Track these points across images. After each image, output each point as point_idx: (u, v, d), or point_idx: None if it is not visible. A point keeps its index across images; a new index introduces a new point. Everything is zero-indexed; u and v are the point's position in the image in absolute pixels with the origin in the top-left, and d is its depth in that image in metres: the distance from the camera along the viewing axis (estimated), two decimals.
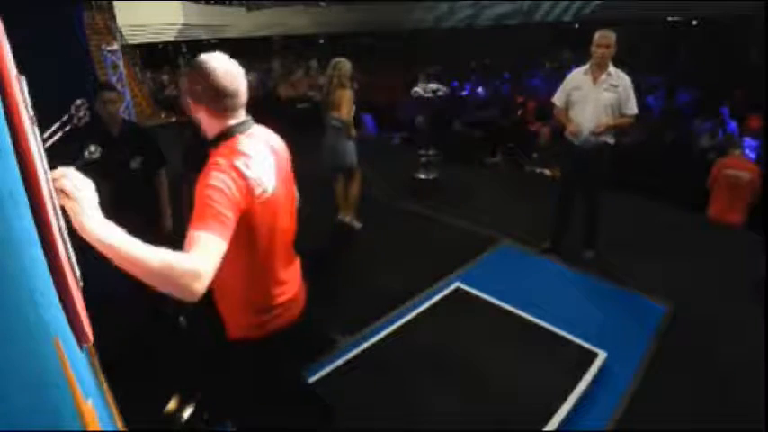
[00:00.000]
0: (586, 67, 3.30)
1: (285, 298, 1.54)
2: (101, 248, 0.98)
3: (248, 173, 1.30)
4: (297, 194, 1.66)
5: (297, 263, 1.65)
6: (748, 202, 4.33)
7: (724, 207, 4.40)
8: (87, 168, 1.04)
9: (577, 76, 3.35)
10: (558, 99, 3.47)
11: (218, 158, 1.30)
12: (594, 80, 3.25)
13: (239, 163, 1.30)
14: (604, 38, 3.17)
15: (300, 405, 1.89)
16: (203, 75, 1.32)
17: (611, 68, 3.23)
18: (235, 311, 1.52)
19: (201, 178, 1.25)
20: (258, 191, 1.33)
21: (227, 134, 1.36)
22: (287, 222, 1.52)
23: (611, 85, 3.21)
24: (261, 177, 1.35)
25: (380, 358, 2.68)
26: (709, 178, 4.53)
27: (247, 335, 1.52)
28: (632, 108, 3.25)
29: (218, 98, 1.33)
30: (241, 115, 1.40)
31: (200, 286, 1.07)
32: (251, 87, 1.44)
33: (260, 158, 1.37)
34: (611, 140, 3.33)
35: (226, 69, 1.34)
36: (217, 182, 1.23)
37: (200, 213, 1.18)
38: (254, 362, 1.55)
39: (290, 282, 1.57)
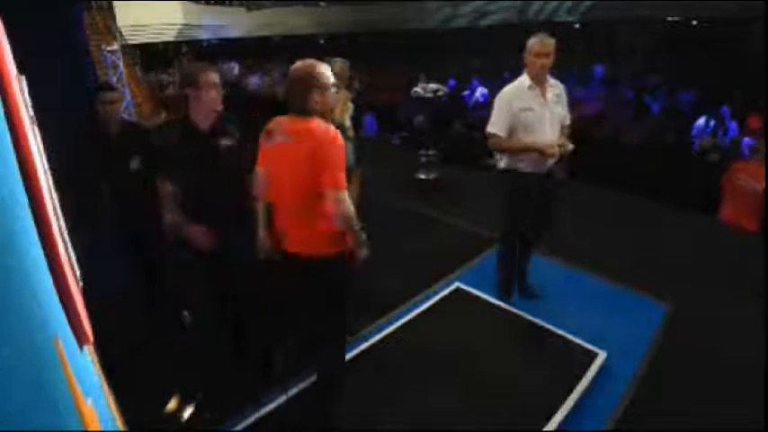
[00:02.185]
0: (529, 82, 2.69)
1: (281, 237, 2.08)
2: None
3: (264, 134, 2.01)
4: (330, 189, 1.89)
5: (309, 230, 1.99)
6: (762, 210, 4.07)
7: (739, 213, 4.21)
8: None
9: (523, 94, 2.69)
10: (500, 127, 2.71)
11: None
12: (544, 95, 2.70)
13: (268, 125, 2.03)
14: (546, 45, 2.62)
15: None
16: None
17: (549, 77, 2.74)
18: None
19: None
20: (265, 144, 2.02)
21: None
22: (285, 190, 1.99)
23: (557, 96, 2.76)
24: (266, 139, 2.01)
25: (380, 358, 2.68)
26: (723, 179, 4.32)
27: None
28: (569, 118, 2.84)
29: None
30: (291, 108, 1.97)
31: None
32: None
33: (275, 132, 1.99)
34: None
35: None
36: None
37: None
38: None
39: (290, 236, 2.04)
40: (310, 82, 1.90)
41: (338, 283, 2.09)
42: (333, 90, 1.98)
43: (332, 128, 1.92)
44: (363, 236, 2.04)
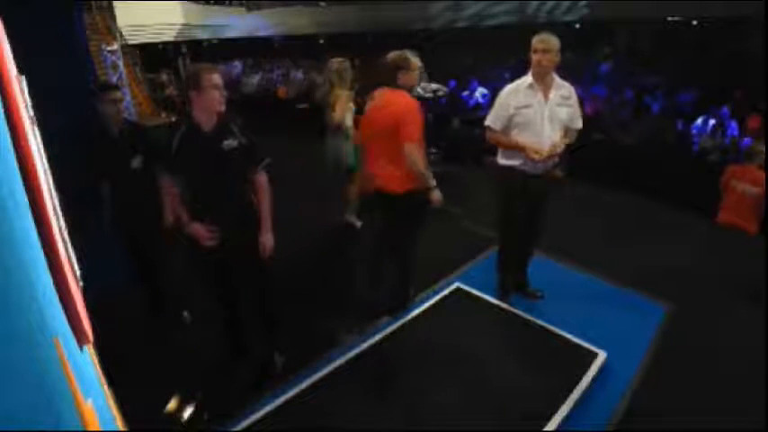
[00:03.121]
0: (530, 80, 2.70)
1: (370, 176, 2.82)
2: None
3: (368, 101, 2.83)
4: (404, 141, 2.55)
5: (387, 172, 2.69)
6: (760, 213, 4.07)
7: (738, 215, 4.16)
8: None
9: (521, 92, 2.71)
10: (495, 121, 2.78)
11: None
12: (545, 94, 2.69)
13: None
14: (543, 42, 2.61)
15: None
16: None
17: (557, 79, 2.73)
18: None
19: None
20: (367, 107, 2.82)
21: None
22: (375, 141, 2.75)
23: (563, 97, 2.72)
24: (368, 104, 2.81)
25: (381, 358, 2.68)
26: (721, 182, 4.28)
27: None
28: (579, 121, 2.81)
29: None
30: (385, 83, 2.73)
31: None
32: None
33: (374, 99, 2.78)
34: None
35: None
36: None
37: None
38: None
39: (376, 174, 2.76)
40: (398, 64, 2.64)
41: (409, 214, 2.81)
42: (416, 72, 2.70)
43: (413, 98, 2.65)
44: (432, 180, 2.68)
